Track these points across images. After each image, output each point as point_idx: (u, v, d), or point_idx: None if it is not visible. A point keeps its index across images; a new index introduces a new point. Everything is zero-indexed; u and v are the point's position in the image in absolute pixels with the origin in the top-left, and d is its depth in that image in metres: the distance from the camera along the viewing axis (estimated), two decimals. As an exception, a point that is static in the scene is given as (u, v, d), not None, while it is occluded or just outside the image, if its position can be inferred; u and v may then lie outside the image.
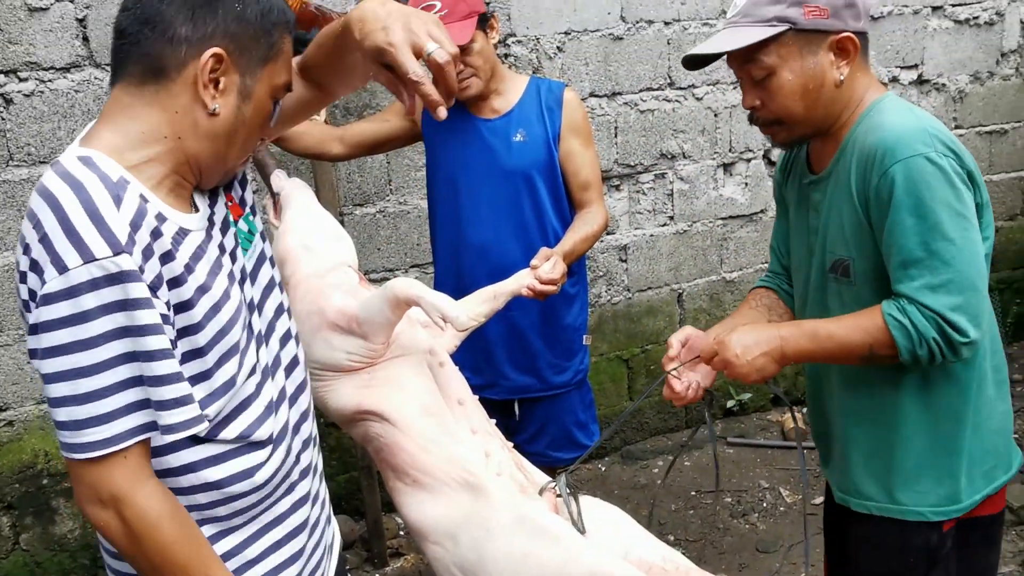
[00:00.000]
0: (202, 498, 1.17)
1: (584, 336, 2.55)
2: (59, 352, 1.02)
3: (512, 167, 2.32)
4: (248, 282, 1.25)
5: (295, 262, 1.88)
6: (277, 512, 1.26)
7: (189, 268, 1.12)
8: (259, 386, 1.22)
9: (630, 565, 1.43)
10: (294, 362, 1.34)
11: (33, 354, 1.05)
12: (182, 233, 1.13)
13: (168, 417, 1.06)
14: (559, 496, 1.64)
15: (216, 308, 1.14)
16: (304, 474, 1.32)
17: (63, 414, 1.04)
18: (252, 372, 1.21)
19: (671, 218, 3.75)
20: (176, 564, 1.07)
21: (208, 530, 1.18)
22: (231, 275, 1.20)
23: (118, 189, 1.06)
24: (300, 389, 1.34)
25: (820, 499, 3.44)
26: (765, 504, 3.45)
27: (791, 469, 3.68)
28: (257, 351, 1.23)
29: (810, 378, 1.76)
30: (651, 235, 3.72)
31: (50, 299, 1.01)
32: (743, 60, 1.53)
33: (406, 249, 3.31)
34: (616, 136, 3.53)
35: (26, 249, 1.04)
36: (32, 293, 1.03)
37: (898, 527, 1.59)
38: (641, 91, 3.54)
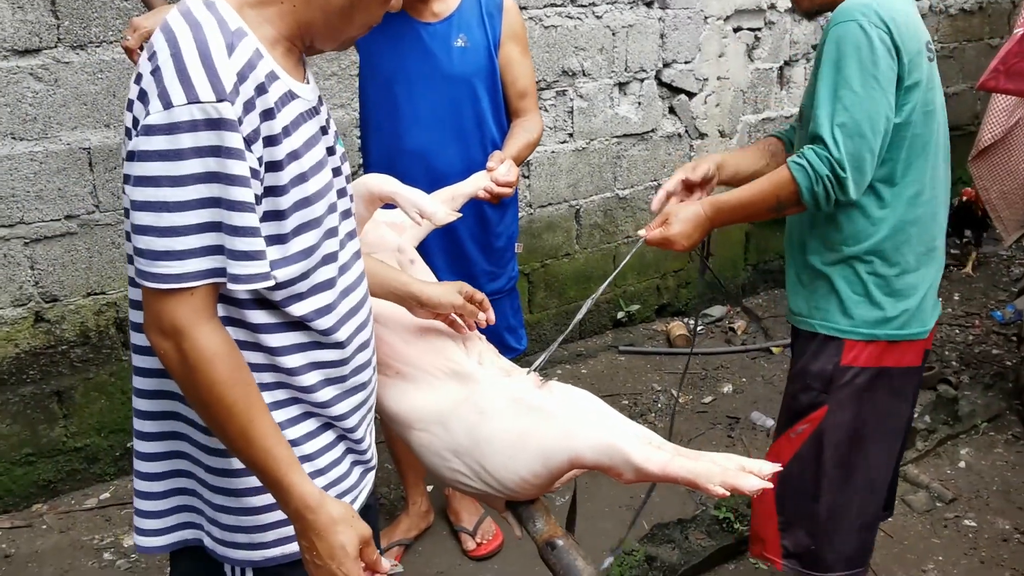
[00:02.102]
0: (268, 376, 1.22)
1: (516, 244, 2.62)
2: (149, 183, 1.04)
3: (454, 73, 2.31)
4: (340, 176, 1.29)
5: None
6: (335, 412, 1.30)
7: (287, 131, 1.13)
8: (333, 280, 1.25)
9: (627, 435, 1.54)
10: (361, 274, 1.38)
11: (126, 179, 1.08)
12: (290, 96, 1.15)
13: (237, 267, 1.08)
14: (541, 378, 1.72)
15: (303, 177, 1.16)
16: (364, 386, 1.36)
17: (143, 242, 1.06)
18: (329, 260, 1.23)
19: (571, 135, 3.85)
20: (223, 402, 1.09)
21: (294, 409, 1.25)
22: (325, 158, 1.22)
23: (233, 37, 1.08)
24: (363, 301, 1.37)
25: (710, 398, 3.74)
26: (659, 405, 3.69)
27: (679, 373, 3.94)
28: (340, 245, 1.26)
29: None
30: (552, 152, 3.81)
31: (151, 130, 1.03)
32: None
33: (315, 161, 3.24)
34: (522, 51, 3.56)
35: (138, 79, 1.08)
36: (135, 121, 1.06)
37: (811, 338, 1.89)
38: (545, 7, 3.58)
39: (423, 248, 2.39)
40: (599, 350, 4.15)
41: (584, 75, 3.78)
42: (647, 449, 1.50)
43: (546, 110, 3.74)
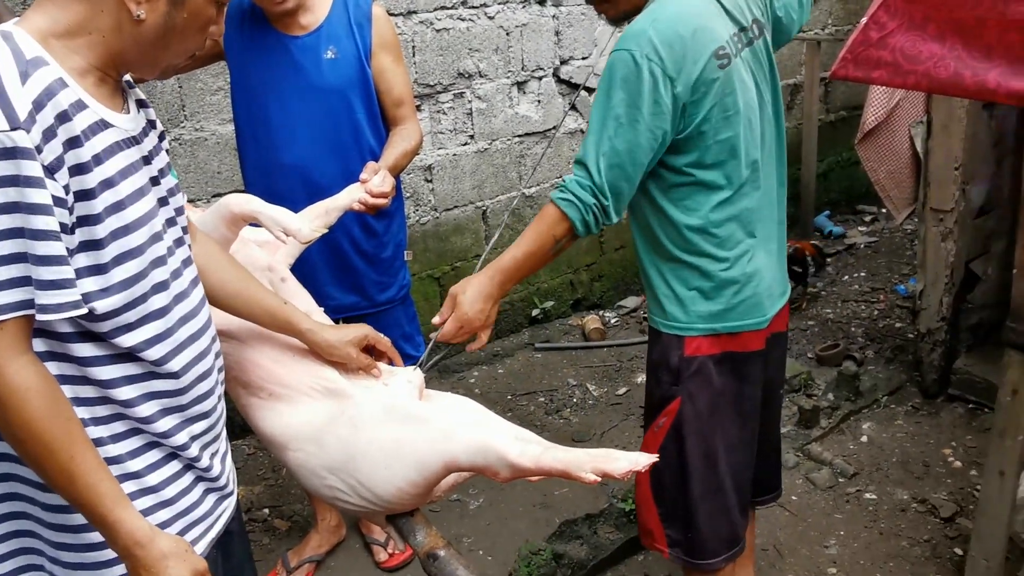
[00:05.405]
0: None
1: (405, 252, 2.61)
2: None
3: (325, 85, 2.28)
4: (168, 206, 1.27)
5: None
6: (175, 442, 1.28)
7: (98, 159, 1.12)
8: (167, 308, 1.23)
9: (499, 434, 1.54)
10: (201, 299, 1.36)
11: None
12: (101, 125, 1.13)
13: (44, 297, 1.07)
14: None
15: (119, 206, 1.14)
16: (205, 415, 1.33)
17: None
18: (160, 289, 1.22)
19: (472, 137, 3.85)
20: (40, 439, 1.07)
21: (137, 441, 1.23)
22: (147, 187, 1.20)
23: (28, 66, 1.06)
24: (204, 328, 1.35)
25: (624, 389, 3.79)
26: (575, 399, 3.72)
27: (595, 366, 3.98)
28: (172, 275, 1.24)
29: None
30: (454, 154, 3.81)
31: None
32: None
33: (206, 178, 3.19)
34: (414, 56, 3.55)
35: None
36: None
37: (657, 336, 1.91)
38: (436, 10, 3.57)
39: (308, 263, 2.38)
40: (516, 348, 4.16)
41: (481, 76, 3.79)
42: (519, 445, 1.51)
43: (444, 113, 3.73)
